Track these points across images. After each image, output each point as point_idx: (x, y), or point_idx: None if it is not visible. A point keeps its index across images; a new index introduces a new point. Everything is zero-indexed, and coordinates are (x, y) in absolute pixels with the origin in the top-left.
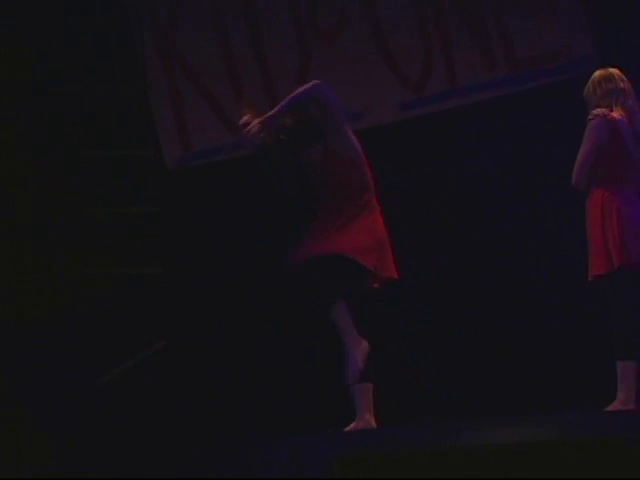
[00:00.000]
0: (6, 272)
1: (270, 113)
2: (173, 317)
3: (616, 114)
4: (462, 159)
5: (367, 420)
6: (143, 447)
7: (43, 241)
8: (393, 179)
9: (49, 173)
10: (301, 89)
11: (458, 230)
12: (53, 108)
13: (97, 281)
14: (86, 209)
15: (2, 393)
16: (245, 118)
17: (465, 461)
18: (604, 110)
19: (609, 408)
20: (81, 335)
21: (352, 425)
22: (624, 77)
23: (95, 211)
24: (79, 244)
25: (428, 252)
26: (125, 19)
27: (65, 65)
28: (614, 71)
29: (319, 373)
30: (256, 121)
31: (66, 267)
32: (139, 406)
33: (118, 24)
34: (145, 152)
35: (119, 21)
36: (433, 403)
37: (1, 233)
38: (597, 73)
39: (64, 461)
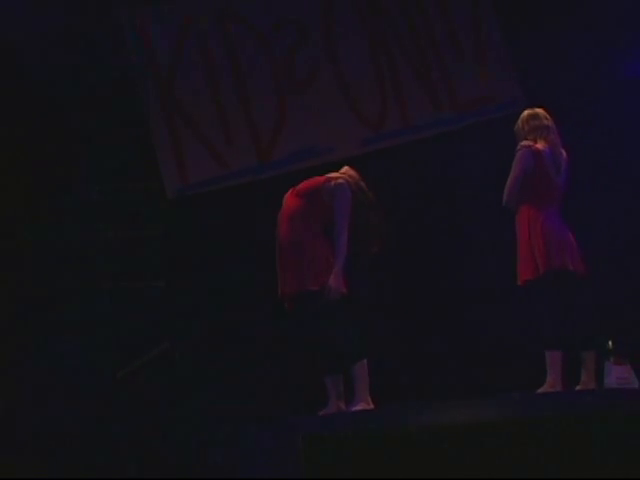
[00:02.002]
0: (36, 288)
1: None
2: (175, 322)
3: (540, 146)
4: (413, 183)
5: (338, 405)
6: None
7: (66, 261)
8: None
9: (74, 202)
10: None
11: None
12: (77, 149)
13: (110, 293)
14: (101, 232)
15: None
16: None
17: (417, 440)
18: (530, 142)
19: (540, 390)
20: (99, 337)
21: (325, 410)
22: (548, 115)
23: (108, 233)
24: (95, 262)
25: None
26: (132, 76)
27: (83, 116)
28: (539, 110)
29: (299, 369)
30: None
31: (88, 281)
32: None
33: (126, 80)
34: (149, 184)
35: (127, 77)
36: (390, 388)
37: (27, 255)
38: (525, 112)
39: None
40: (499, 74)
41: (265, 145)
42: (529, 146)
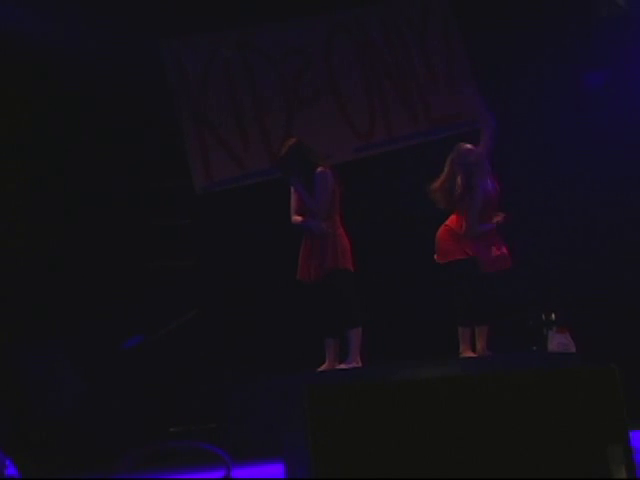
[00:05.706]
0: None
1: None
2: (201, 292)
3: None
4: (397, 184)
5: (333, 363)
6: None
7: (120, 243)
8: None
9: (126, 198)
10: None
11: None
12: (125, 154)
13: (149, 269)
14: (144, 222)
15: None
16: None
17: (400, 391)
18: None
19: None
20: (142, 304)
21: (323, 366)
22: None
23: (149, 223)
24: (139, 246)
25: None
26: (168, 92)
27: (129, 127)
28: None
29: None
30: None
31: (131, 260)
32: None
33: (163, 98)
34: (180, 182)
35: (164, 95)
36: (376, 351)
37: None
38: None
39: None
40: (466, 95)
41: (276, 151)
42: None
